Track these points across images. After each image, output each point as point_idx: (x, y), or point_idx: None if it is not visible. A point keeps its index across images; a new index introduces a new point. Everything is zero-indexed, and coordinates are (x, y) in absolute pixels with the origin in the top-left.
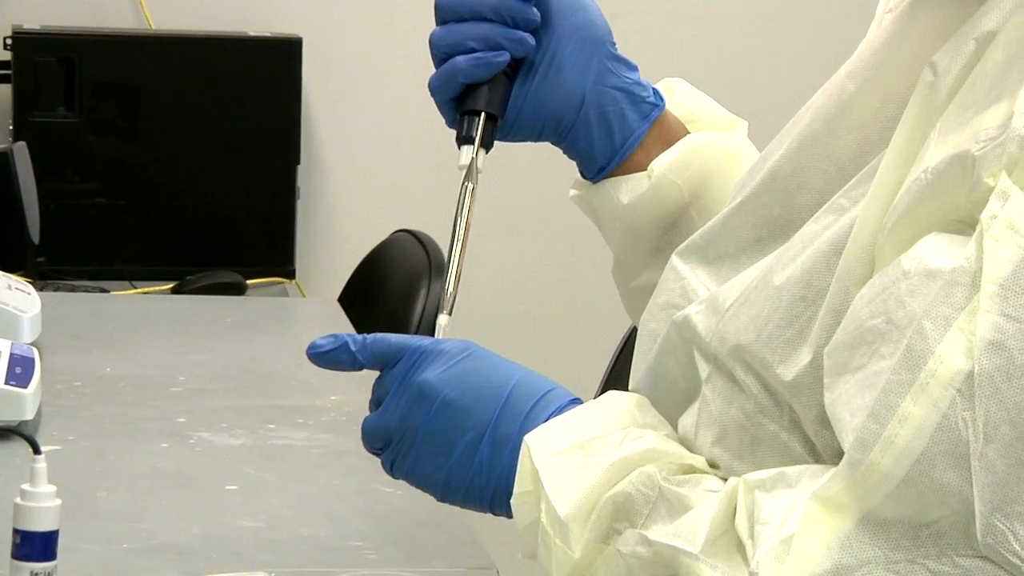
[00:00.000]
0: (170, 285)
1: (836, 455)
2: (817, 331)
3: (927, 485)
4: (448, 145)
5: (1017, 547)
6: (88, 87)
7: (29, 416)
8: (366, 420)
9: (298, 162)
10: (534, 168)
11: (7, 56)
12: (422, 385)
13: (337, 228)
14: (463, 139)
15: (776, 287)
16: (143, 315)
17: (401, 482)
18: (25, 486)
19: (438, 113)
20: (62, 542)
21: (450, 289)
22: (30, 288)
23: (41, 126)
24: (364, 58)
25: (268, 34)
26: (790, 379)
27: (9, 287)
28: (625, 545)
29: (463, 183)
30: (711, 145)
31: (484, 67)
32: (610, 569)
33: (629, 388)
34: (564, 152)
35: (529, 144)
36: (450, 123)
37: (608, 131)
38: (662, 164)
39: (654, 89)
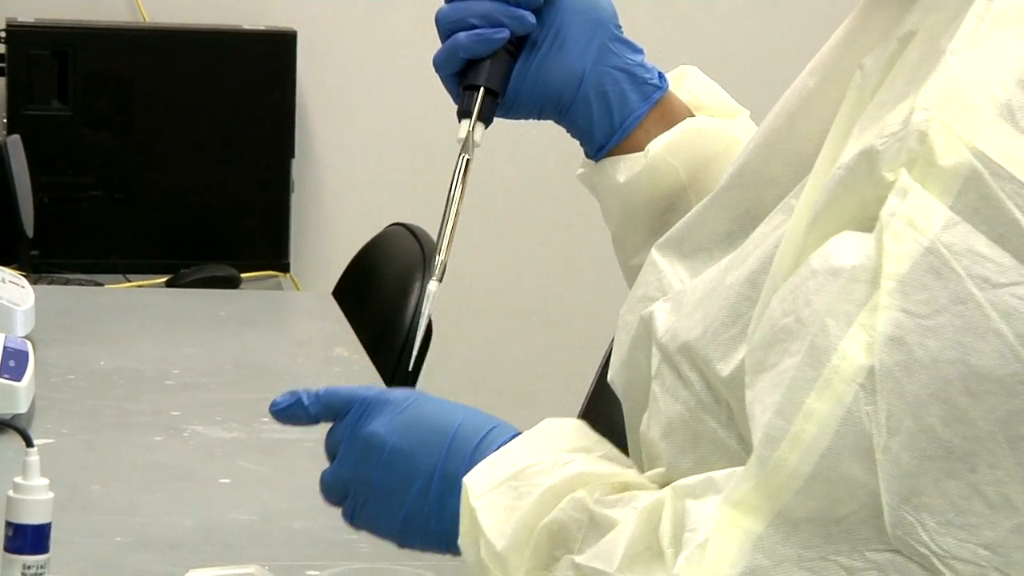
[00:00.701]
0: (164, 278)
1: None
2: (752, 329)
3: (834, 480)
4: (442, 139)
5: (926, 538)
6: (82, 80)
7: (23, 409)
8: (324, 473)
9: (292, 155)
10: (536, 166)
11: (1, 49)
12: (370, 437)
13: (331, 222)
14: (462, 113)
15: (727, 286)
16: (137, 308)
17: None
18: (18, 479)
19: (432, 107)
20: (55, 535)
21: (441, 257)
22: (24, 281)
23: (35, 119)
24: (359, 52)
25: (263, 27)
26: (727, 375)
27: (3, 280)
28: (560, 571)
29: (459, 154)
30: (709, 129)
31: (484, 43)
32: None
33: (608, 379)
34: (567, 130)
35: (529, 144)
36: (455, 98)
37: (607, 110)
38: (659, 145)
39: (660, 73)
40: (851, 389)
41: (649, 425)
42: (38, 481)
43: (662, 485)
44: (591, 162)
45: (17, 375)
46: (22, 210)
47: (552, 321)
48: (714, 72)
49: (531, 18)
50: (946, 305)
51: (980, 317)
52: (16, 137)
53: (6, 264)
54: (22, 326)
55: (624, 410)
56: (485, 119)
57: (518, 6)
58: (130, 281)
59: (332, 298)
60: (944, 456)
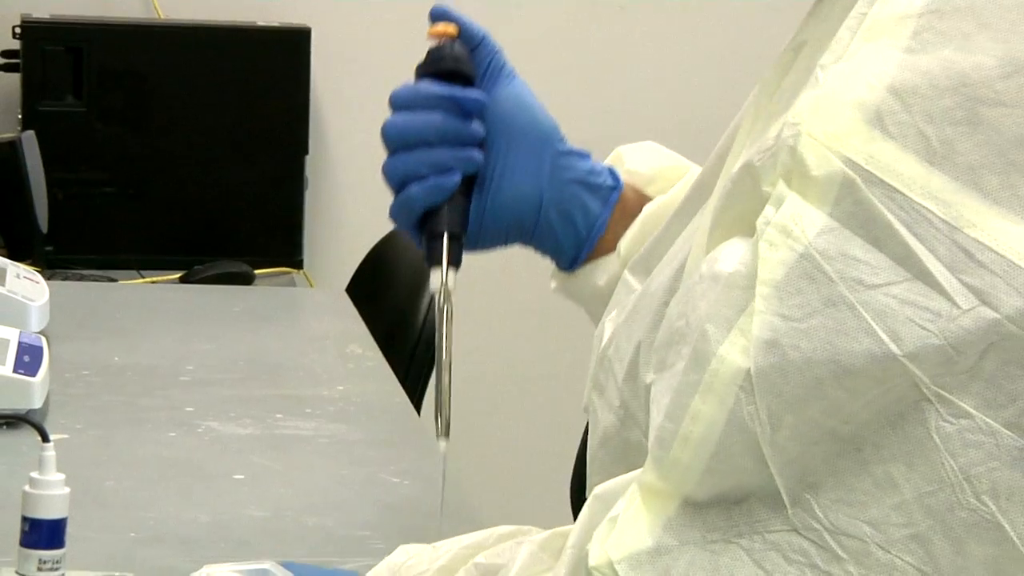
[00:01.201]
0: (178, 275)
1: None
2: None
3: (728, 472)
4: None
5: (820, 513)
6: (96, 76)
7: (37, 404)
8: None
9: (306, 152)
10: None
11: (16, 45)
12: None
13: (345, 218)
14: (431, 261)
15: (651, 293)
16: (151, 304)
17: (408, 471)
18: (34, 474)
19: None
20: (69, 530)
21: (445, 414)
22: (38, 277)
23: (49, 115)
24: (373, 48)
25: (277, 24)
26: (649, 382)
27: (18, 276)
28: None
29: (439, 306)
30: (667, 205)
31: (438, 192)
32: None
33: (583, 404)
34: (536, 250)
35: None
36: (418, 245)
37: (572, 224)
38: (627, 240)
39: (610, 170)
40: (732, 391)
41: (592, 436)
42: (54, 476)
43: None
44: (563, 274)
45: (32, 370)
46: (36, 206)
47: (557, 321)
48: (711, 83)
49: (478, 155)
50: (818, 308)
51: (851, 318)
52: (30, 133)
53: (21, 260)
54: (37, 322)
55: None
56: (454, 263)
57: (463, 145)
58: (144, 277)
59: (346, 295)
60: (830, 440)
